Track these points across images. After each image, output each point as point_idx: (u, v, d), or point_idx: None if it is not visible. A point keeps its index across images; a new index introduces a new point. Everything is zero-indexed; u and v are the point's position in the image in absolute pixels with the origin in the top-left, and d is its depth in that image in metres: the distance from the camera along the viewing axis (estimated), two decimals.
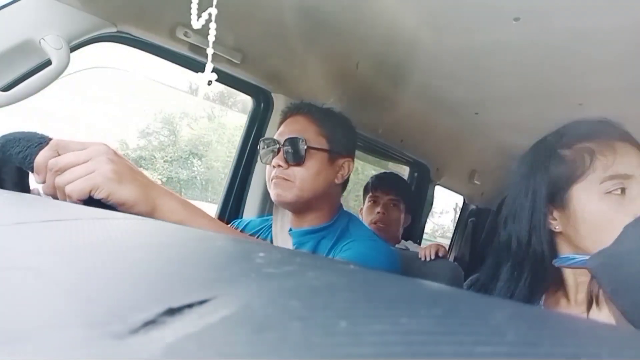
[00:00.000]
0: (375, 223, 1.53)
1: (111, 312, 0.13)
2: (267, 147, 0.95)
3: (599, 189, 0.63)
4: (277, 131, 0.98)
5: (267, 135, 1.27)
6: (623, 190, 0.62)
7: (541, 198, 0.67)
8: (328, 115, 1.00)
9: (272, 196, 0.94)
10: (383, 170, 1.84)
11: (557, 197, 0.66)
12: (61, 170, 0.42)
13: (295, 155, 0.91)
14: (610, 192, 0.62)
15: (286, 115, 1.00)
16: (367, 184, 1.65)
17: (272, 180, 0.93)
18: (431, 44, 1.06)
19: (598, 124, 0.68)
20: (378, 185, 1.60)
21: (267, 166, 0.96)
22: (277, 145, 0.93)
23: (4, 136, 0.46)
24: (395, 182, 1.62)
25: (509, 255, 0.71)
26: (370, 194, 1.60)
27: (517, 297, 0.68)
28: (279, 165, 0.91)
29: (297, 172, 0.91)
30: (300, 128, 0.94)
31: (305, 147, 0.91)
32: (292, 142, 0.92)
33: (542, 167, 0.68)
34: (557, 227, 0.66)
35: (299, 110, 0.99)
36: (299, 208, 0.94)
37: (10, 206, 0.37)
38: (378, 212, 1.54)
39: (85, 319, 0.13)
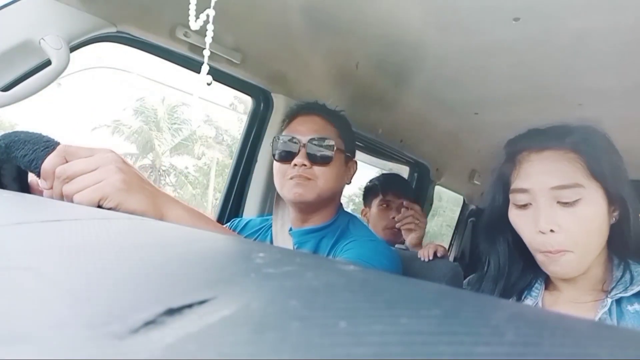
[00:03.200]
0: (390, 229, 1.48)
1: (111, 312, 0.13)
2: (285, 144, 0.93)
3: (511, 200, 0.68)
4: (289, 128, 0.96)
5: (267, 135, 1.27)
6: (523, 205, 0.65)
7: (500, 201, 0.71)
8: (340, 117, 1.00)
9: (290, 195, 0.90)
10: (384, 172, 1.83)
11: (507, 202, 0.70)
12: (69, 179, 0.41)
13: (322, 155, 0.90)
14: (515, 204, 0.67)
15: (298, 112, 0.98)
16: (374, 186, 1.59)
17: (291, 178, 0.90)
18: (431, 44, 1.06)
19: (527, 135, 0.70)
20: (389, 189, 1.54)
21: (278, 164, 0.94)
22: (298, 144, 0.91)
23: (8, 136, 0.45)
24: (404, 184, 1.61)
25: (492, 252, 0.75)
26: (381, 197, 1.53)
27: (507, 296, 0.71)
28: (303, 164, 0.89)
29: (321, 171, 0.90)
30: (321, 128, 0.93)
31: (334, 148, 0.91)
32: (320, 142, 0.91)
33: (498, 171, 0.73)
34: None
35: (314, 110, 0.98)
36: (313, 207, 0.93)
37: (10, 206, 0.37)
38: (393, 218, 1.48)
39: (85, 319, 0.13)
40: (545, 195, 0.62)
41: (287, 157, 0.92)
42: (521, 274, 0.71)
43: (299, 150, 0.91)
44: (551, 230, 0.61)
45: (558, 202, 0.62)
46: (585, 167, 0.62)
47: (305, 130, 0.93)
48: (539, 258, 0.64)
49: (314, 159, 0.90)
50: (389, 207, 1.53)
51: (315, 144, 0.91)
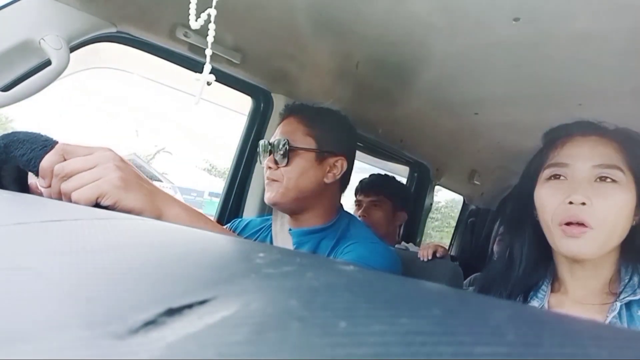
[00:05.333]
0: None
1: (111, 312, 0.13)
2: (263, 148, 0.98)
3: (542, 176, 0.68)
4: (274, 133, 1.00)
5: (267, 135, 1.28)
6: (557, 176, 0.66)
7: (527, 190, 0.72)
8: (319, 114, 0.99)
9: (264, 199, 0.96)
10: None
11: (533, 187, 0.70)
12: (67, 176, 0.41)
13: (281, 156, 0.93)
14: (548, 178, 0.67)
15: (282, 117, 1.02)
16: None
17: (265, 180, 0.96)
18: (431, 44, 1.06)
19: (572, 124, 0.71)
20: (360, 189, 1.62)
21: (264, 167, 0.98)
22: (270, 147, 0.95)
23: (6, 136, 0.45)
24: (376, 183, 1.62)
25: (510, 240, 0.74)
26: (355, 198, 1.63)
27: (515, 293, 0.71)
28: (269, 167, 0.94)
29: (283, 172, 0.93)
30: (289, 129, 0.96)
31: (287, 147, 0.93)
32: (278, 143, 0.94)
33: (528, 164, 0.74)
34: (536, 216, 0.70)
35: (290, 112, 1.01)
36: (290, 208, 0.95)
37: (10, 206, 0.37)
38: (359, 216, 1.56)
39: (85, 319, 0.13)
40: (586, 171, 0.63)
41: (264, 160, 0.98)
42: (534, 268, 0.70)
43: (270, 153, 0.95)
44: (582, 203, 0.61)
45: (596, 180, 0.63)
46: (625, 159, 0.63)
47: (277, 134, 0.97)
48: (558, 234, 0.63)
49: (277, 161, 0.94)
50: (359, 206, 1.60)
51: (276, 146, 0.94)
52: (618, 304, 0.62)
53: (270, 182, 0.94)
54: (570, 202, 0.62)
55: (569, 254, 0.64)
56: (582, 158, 0.64)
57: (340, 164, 0.98)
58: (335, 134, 0.98)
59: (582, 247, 0.62)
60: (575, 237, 0.61)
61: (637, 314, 0.61)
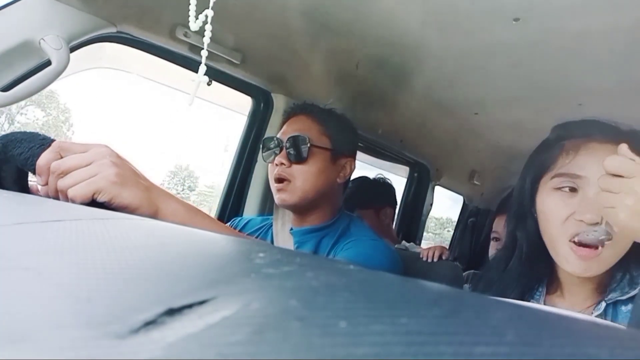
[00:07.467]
0: None
1: (111, 312, 0.13)
2: (270, 146, 0.96)
3: (550, 184, 0.65)
4: (280, 131, 0.98)
5: (268, 135, 1.28)
6: (573, 189, 0.62)
7: (528, 188, 0.70)
8: (330, 115, 1.00)
9: (276, 201, 0.94)
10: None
11: (535, 187, 0.68)
12: (64, 173, 0.42)
13: (298, 153, 0.91)
14: (558, 188, 0.63)
15: (289, 115, 1.01)
16: None
17: (274, 179, 0.93)
18: (431, 44, 1.06)
19: (585, 124, 0.68)
20: None
21: (270, 165, 0.96)
22: (280, 144, 0.93)
23: (5, 136, 0.46)
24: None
25: (510, 243, 0.73)
26: None
27: (509, 295, 0.69)
28: (282, 164, 0.92)
29: (299, 170, 0.91)
30: (303, 127, 0.95)
31: (308, 145, 0.91)
32: (295, 140, 0.92)
33: (531, 158, 0.71)
34: (535, 214, 0.68)
35: (302, 110, 1.00)
36: (302, 208, 0.94)
37: (10, 206, 0.37)
38: None
39: (85, 319, 0.13)
40: None
41: (272, 158, 0.95)
42: (531, 271, 0.69)
43: (281, 150, 0.93)
44: (595, 223, 0.57)
45: None
46: None
47: (288, 131, 0.95)
48: (565, 250, 0.60)
49: (291, 158, 0.92)
50: None
51: (292, 143, 0.92)
52: (603, 303, 0.61)
53: (284, 184, 0.91)
54: (581, 220, 0.58)
55: (573, 273, 0.61)
56: (599, 172, 0.59)
57: (350, 165, 0.99)
58: (346, 135, 1.00)
59: (589, 270, 0.59)
60: (588, 258, 0.58)
61: (621, 309, 0.60)
